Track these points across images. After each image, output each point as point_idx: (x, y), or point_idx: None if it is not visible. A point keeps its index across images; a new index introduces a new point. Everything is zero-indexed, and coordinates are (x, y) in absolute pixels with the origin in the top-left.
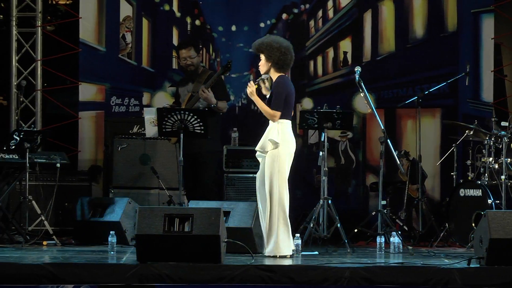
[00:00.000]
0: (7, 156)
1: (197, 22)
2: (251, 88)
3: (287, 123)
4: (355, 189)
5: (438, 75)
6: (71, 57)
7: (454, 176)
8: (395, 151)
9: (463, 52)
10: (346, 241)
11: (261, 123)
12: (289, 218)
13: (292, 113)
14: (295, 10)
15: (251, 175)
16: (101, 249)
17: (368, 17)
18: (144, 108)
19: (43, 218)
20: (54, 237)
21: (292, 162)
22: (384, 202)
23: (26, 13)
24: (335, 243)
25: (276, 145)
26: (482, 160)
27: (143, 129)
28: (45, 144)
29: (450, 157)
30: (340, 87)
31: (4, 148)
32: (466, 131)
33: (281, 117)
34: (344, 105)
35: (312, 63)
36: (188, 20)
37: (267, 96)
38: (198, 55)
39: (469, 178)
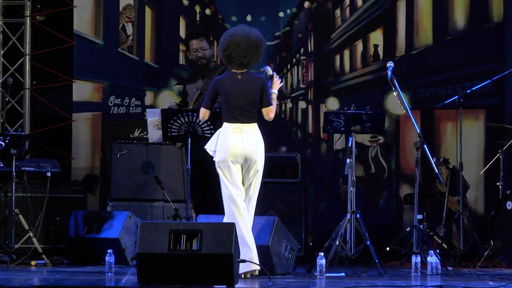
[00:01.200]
0: None
1: (208, 12)
2: None
3: (226, 127)
4: (387, 202)
5: (481, 72)
6: (64, 51)
7: (500, 187)
8: (432, 158)
9: (510, 45)
10: (377, 260)
11: (279, 126)
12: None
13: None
14: None
15: (269, 185)
16: (97, 270)
17: (402, 5)
18: (147, 109)
19: (31, 235)
20: (43, 256)
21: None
22: (420, 217)
23: (13, 1)
24: (364, 263)
25: (211, 152)
26: None
27: (145, 133)
28: (34, 150)
29: (495, 165)
30: (370, 85)
31: None
32: None
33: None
34: (374, 106)
35: (338, 57)
36: (197, 9)
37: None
38: (211, 48)
39: None
